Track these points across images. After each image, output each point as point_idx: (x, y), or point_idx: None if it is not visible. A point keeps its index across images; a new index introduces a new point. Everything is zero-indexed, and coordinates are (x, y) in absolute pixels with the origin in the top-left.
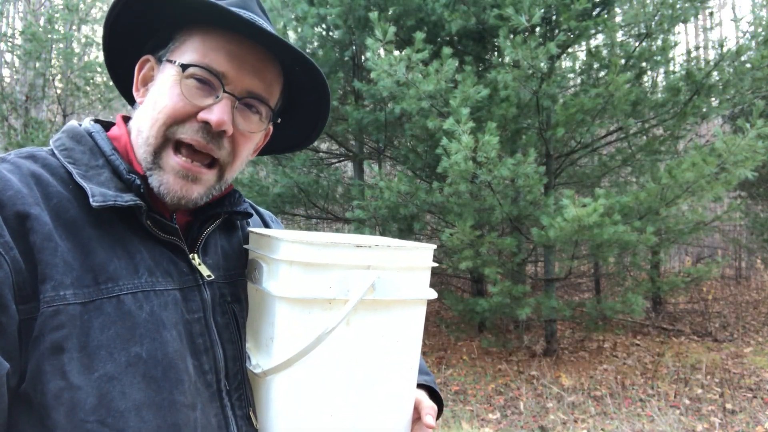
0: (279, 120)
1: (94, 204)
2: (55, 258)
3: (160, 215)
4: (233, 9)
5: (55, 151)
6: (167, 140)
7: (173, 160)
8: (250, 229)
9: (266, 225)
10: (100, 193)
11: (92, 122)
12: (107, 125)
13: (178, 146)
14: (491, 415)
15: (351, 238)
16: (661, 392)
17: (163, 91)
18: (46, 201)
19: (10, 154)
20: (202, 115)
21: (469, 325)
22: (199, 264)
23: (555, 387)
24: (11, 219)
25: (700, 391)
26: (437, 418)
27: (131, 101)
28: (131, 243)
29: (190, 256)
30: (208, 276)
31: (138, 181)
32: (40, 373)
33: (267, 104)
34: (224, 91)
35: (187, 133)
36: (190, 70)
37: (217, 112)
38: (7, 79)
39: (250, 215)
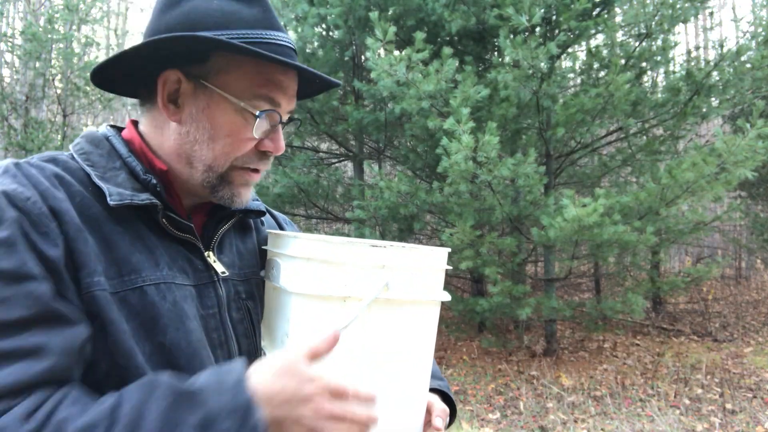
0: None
1: (111, 202)
2: (87, 248)
3: (176, 214)
4: (274, 40)
5: (75, 155)
6: (232, 167)
7: (242, 176)
8: (268, 230)
9: (280, 227)
10: (117, 192)
11: (108, 127)
12: (120, 130)
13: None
14: (491, 415)
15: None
16: (661, 392)
17: (225, 126)
18: (70, 199)
19: (34, 158)
20: (266, 146)
21: (469, 325)
22: (214, 261)
23: (555, 387)
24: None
25: (700, 391)
26: (450, 423)
27: (128, 94)
28: (149, 240)
29: (206, 253)
30: (223, 272)
31: (154, 181)
32: None
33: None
34: (279, 122)
35: (251, 162)
36: (264, 113)
37: (281, 144)
38: (7, 79)
39: (263, 213)
